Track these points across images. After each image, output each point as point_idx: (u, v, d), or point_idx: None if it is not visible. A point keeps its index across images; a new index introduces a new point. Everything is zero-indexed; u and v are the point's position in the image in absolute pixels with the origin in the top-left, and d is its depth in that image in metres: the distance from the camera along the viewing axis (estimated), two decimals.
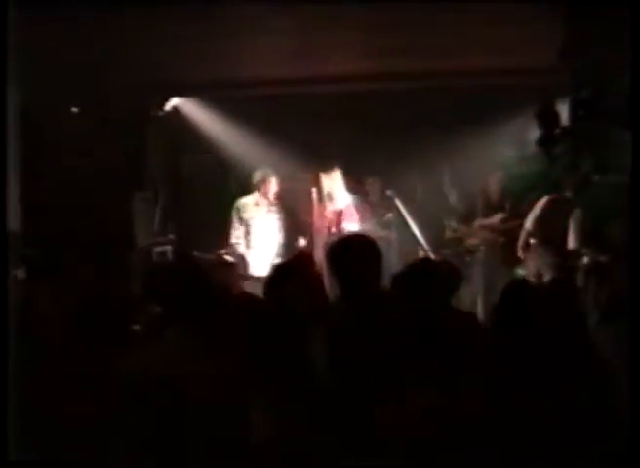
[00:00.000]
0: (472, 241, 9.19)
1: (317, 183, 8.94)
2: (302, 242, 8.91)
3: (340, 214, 8.82)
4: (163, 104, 9.64)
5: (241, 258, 8.75)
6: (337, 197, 8.83)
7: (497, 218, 9.04)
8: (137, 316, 4.34)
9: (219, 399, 3.26)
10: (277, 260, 8.23)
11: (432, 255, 8.39)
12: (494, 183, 9.16)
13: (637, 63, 4.94)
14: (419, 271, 4.68)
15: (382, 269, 4.09)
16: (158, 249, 9.03)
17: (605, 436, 3.23)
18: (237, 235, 8.87)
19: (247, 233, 8.90)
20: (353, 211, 8.86)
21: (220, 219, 9.23)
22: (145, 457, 3.09)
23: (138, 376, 3.25)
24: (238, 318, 3.75)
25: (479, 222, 9.18)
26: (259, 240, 8.91)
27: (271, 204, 8.98)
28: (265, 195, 8.92)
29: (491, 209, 9.16)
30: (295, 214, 9.18)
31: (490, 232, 9.03)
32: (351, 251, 3.98)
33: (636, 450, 3.10)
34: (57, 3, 5.69)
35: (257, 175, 8.96)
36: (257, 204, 8.97)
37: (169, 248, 9.11)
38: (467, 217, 9.33)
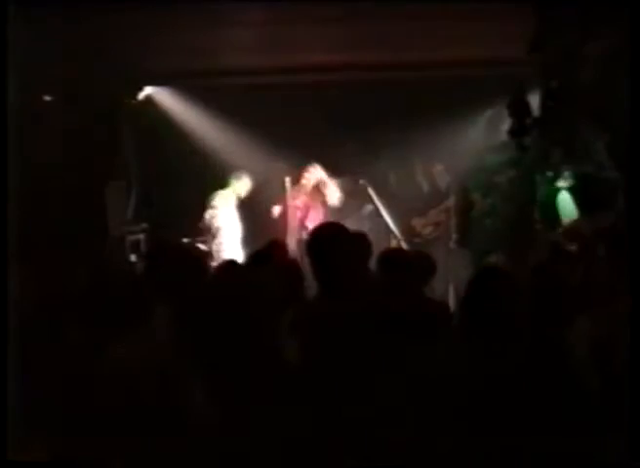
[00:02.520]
0: (425, 231, 9.34)
1: (292, 173, 9.08)
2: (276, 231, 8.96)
3: (308, 211, 9.05)
4: (137, 93, 9.60)
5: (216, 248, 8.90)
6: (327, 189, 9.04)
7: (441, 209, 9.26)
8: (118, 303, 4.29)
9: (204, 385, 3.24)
10: (249, 250, 8.33)
11: (405, 245, 8.53)
12: (439, 174, 9.39)
13: (636, 61, 4.94)
14: (391, 261, 4.79)
15: (357, 258, 4.11)
16: (131, 237, 9.03)
17: (604, 431, 3.20)
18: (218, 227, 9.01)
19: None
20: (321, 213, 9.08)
21: (192, 208, 9.27)
22: (136, 446, 3.05)
23: (124, 363, 3.22)
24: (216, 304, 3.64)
25: (434, 212, 9.34)
26: (233, 231, 9.09)
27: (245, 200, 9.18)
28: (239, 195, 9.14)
29: (438, 198, 9.35)
30: (267, 205, 9.29)
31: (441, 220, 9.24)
32: (326, 239, 3.90)
33: (636, 450, 3.09)
34: None
35: (233, 178, 9.19)
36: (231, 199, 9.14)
37: (142, 236, 9.12)
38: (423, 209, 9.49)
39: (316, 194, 9.12)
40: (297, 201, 9.08)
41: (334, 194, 9.05)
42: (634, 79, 4.98)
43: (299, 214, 9.05)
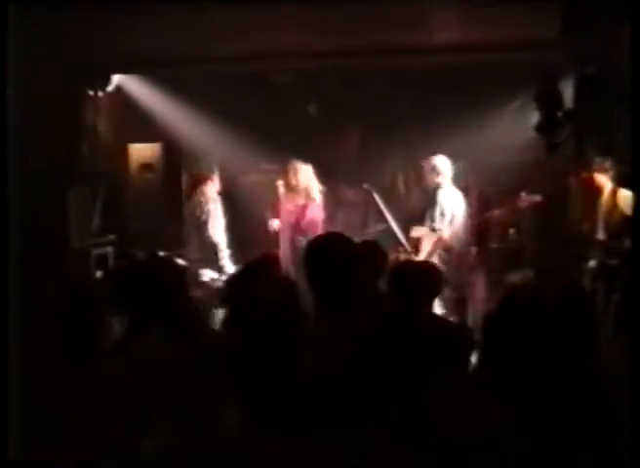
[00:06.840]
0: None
1: (285, 176, 8.57)
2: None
3: (304, 212, 8.52)
4: (104, 84, 8.95)
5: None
6: (312, 193, 8.55)
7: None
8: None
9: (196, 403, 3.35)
10: (233, 262, 8.05)
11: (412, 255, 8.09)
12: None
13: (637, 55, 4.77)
14: (397, 273, 4.75)
15: (360, 272, 3.85)
16: (97, 251, 8.60)
17: (605, 436, 3.23)
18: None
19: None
20: (320, 212, 8.58)
21: (168, 217, 8.97)
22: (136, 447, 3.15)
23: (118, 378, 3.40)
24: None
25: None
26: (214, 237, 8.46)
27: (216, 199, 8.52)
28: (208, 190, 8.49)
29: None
30: (253, 211, 8.95)
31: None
32: (326, 252, 3.74)
33: (636, 450, 3.13)
34: None
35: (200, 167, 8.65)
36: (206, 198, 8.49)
37: (109, 249, 8.71)
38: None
39: (307, 193, 8.62)
40: (291, 203, 8.58)
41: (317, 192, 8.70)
42: None
43: (293, 216, 8.52)
